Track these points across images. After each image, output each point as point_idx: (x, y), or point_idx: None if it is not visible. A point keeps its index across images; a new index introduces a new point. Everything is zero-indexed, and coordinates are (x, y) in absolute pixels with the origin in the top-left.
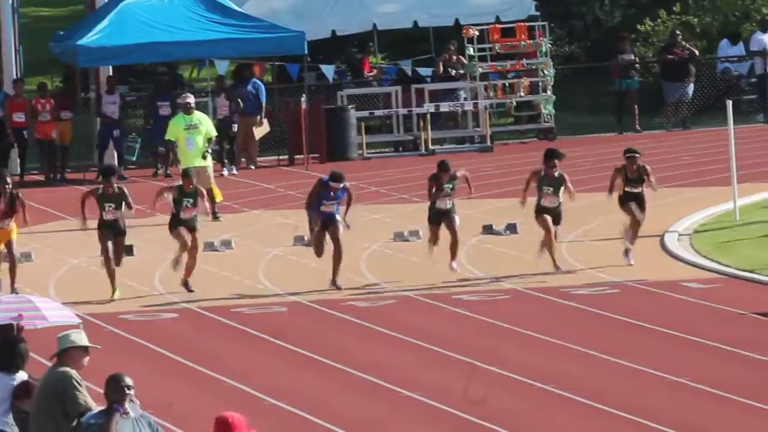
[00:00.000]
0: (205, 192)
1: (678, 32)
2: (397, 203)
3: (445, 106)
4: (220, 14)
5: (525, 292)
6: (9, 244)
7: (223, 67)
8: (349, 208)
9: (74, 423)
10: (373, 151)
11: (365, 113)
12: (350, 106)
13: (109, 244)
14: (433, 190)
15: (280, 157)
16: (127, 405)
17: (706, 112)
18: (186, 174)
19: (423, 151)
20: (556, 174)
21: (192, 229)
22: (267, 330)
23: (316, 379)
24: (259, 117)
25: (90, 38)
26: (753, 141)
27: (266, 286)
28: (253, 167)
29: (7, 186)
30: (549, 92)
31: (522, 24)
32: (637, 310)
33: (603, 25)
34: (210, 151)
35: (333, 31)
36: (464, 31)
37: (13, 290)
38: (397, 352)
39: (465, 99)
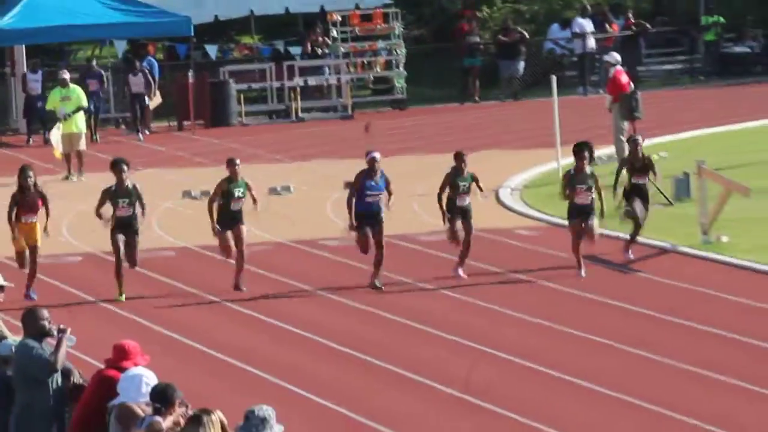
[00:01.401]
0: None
1: (510, 18)
2: (271, 163)
3: (312, 80)
4: (119, 1)
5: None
6: (33, 249)
7: (121, 46)
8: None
9: None
10: (250, 118)
11: (244, 86)
12: (231, 80)
13: (122, 244)
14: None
15: (171, 124)
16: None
17: (535, 86)
18: (230, 162)
19: (293, 118)
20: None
21: (239, 222)
22: (158, 270)
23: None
24: (153, 89)
25: (4, 22)
26: (574, 110)
27: (159, 234)
28: (147, 132)
29: (29, 179)
30: (401, 69)
31: (378, 10)
32: (475, 253)
33: (447, 12)
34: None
35: (216, 16)
36: (329, 17)
37: (28, 294)
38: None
39: (329, 74)
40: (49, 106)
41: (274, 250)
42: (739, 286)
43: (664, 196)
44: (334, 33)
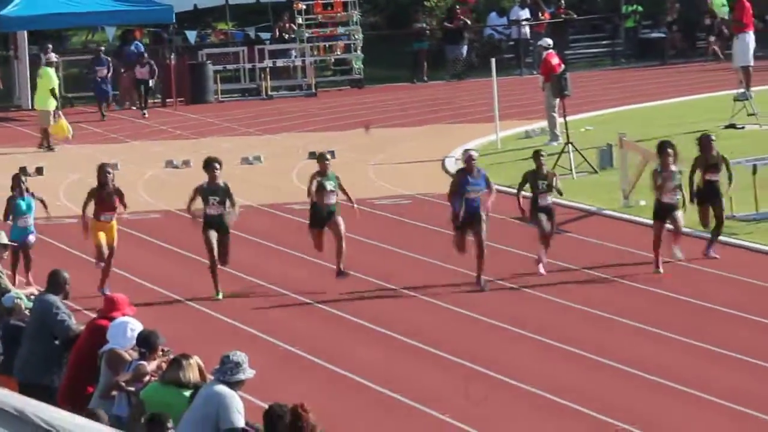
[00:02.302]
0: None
1: (457, 6)
2: (243, 135)
3: (280, 62)
4: None
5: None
6: (111, 248)
7: (111, 32)
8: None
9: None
10: (225, 96)
11: (220, 67)
12: (208, 61)
13: (214, 241)
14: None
15: (155, 101)
16: None
17: (477, 68)
18: (320, 157)
19: (263, 96)
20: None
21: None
22: (145, 231)
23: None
24: (155, 76)
25: (8, 10)
26: (511, 89)
27: (145, 198)
28: (134, 108)
29: (108, 175)
30: (358, 52)
31: (338, 0)
32: (424, 215)
33: (398, 0)
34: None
35: (195, 5)
36: (295, 5)
37: (101, 289)
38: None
39: (295, 57)
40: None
41: (246, 212)
42: (648, 241)
43: (590, 165)
44: (299, 20)
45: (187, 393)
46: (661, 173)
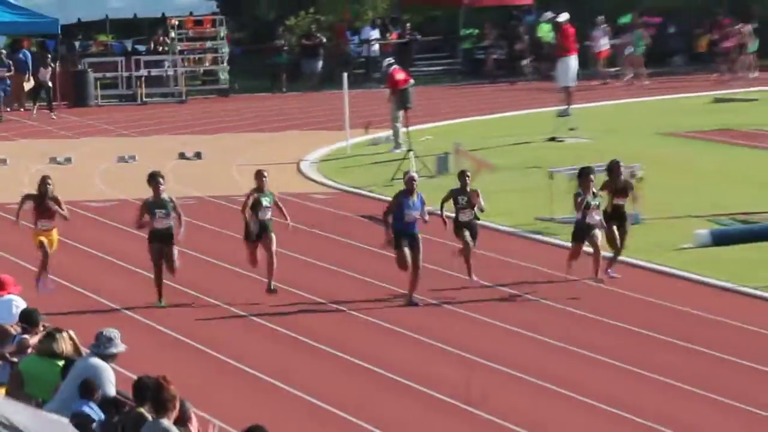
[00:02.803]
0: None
1: (313, 26)
2: (119, 137)
3: (155, 71)
4: (3, 5)
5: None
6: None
7: (1, 40)
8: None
9: None
10: (104, 101)
11: (100, 75)
12: (89, 69)
13: (159, 253)
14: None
15: (40, 104)
16: None
17: (330, 80)
18: (258, 174)
19: (139, 101)
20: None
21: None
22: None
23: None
24: (27, 75)
25: None
26: (360, 100)
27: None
28: (22, 110)
29: (49, 186)
30: (224, 64)
31: (207, 17)
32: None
33: (261, 19)
34: None
35: (78, 18)
36: (168, 21)
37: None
38: None
39: (168, 67)
40: None
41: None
42: (486, 240)
43: (429, 170)
44: (172, 34)
45: (60, 363)
46: (583, 196)
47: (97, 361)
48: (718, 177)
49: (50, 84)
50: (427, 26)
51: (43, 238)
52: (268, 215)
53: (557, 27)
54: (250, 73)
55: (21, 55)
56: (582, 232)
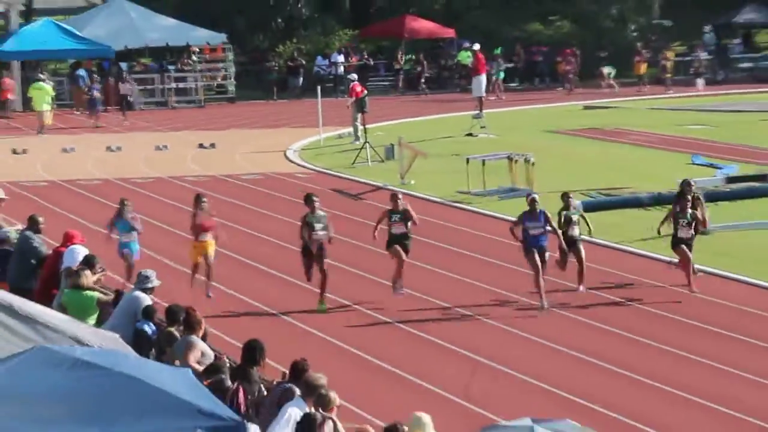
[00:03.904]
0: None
1: (295, 52)
2: (156, 131)
3: (181, 85)
4: (68, 35)
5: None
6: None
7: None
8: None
9: None
10: (144, 106)
11: (141, 87)
12: (134, 83)
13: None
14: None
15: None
16: None
17: (309, 92)
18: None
19: (169, 107)
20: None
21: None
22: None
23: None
24: (85, 88)
25: (6, 45)
26: (330, 106)
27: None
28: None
29: (203, 203)
30: (232, 79)
31: (219, 46)
32: (272, 186)
33: (258, 47)
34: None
35: (125, 46)
36: (191, 48)
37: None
38: None
39: (191, 81)
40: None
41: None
42: (420, 208)
43: (380, 157)
44: (194, 57)
45: (86, 293)
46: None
47: (140, 293)
48: (590, 163)
49: (130, 96)
50: (377, 53)
51: (199, 251)
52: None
53: (473, 53)
54: (250, 86)
55: (79, 73)
56: (676, 244)
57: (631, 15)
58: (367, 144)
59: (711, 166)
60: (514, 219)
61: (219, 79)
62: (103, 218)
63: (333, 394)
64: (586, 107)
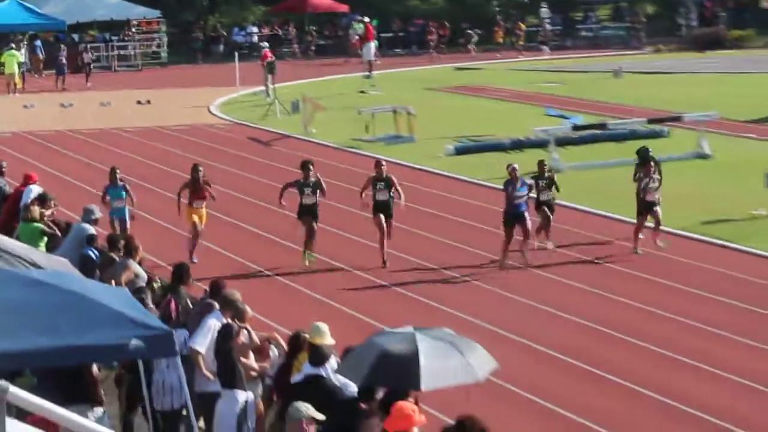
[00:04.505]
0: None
1: (218, 25)
2: (101, 92)
3: (122, 52)
4: (29, 12)
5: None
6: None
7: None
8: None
9: None
10: (95, 70)
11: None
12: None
13: (306, 226)
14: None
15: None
16: None
17: (229, 57)
18: (377, 164)
19: (113, 70)
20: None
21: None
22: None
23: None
24: (42, 57)
25: None
26: (246, 69)
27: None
28: (36, 76)
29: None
30: (165, 47)
31: (154, 19)
32: (198, 135)
33: (186, 20)
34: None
35: (77, 20)
36: (131, 22)
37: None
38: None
39: (132, 48)
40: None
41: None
42: (321, 152)
43: (286, 110)
44: (133, 29)
45: (37, 225)
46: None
47: (85, 225)
48: (460, 114)
49: (90, 63)
50: (285, 24)
51: (195, 216)
52: (385, 196)
53: (364, 24)
54: (179, 53)
55: (36, 43)
56: (642, 207)
57: None
58: (276, 100)
59: (561, 116)
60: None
61: (154, 47)
62: (56, 163)
63: (247, 307)
64: (457, 68)
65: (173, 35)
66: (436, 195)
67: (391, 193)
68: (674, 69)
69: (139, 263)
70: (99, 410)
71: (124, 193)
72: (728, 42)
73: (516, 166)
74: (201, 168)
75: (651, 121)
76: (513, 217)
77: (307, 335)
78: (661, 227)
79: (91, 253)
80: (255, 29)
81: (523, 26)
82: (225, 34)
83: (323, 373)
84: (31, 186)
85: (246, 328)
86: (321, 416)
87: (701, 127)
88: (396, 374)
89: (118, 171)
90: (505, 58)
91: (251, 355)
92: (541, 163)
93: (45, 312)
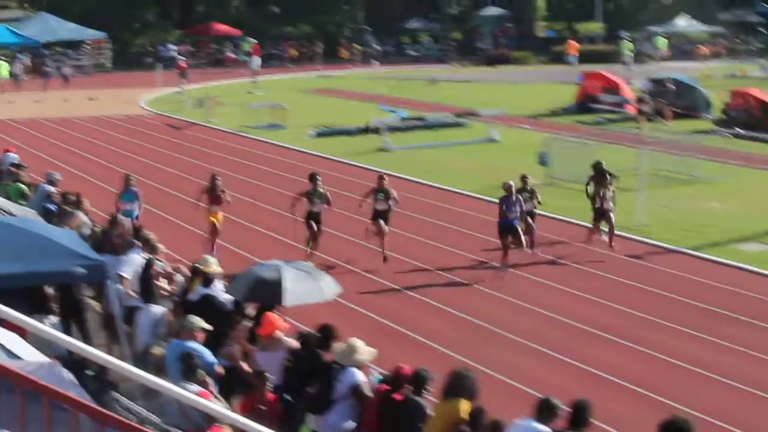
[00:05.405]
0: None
1: (147, 44)
2: (64, 90)
3: (81, 63)
4: (12, 33)
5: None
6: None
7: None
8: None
9: None
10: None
11: (55, 65)
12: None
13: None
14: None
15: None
16: None
17: (156, 66)
18: (380, 178)
19: (69, 78)
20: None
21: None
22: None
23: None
24: (21, 67)
25: None
26: (168, 76)
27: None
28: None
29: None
30: (109, 59)
31: (103, 39)
32: (132, 122)
33: (126, 40)
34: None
35: (47, 40)
36: (85, 41)
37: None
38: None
39: (85, 61)
40: None
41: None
42: (219, 135)
43: (198, 104)
44: (86, 46)
45: (18, 185)
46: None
47: (47, 185)
48: (321, 109)
49: (67, 75)
50: (198, 43)
51: (213, 218)
52: (383, 206)
53: (251, 44)
54: (120, 63)
55: (20, 56)
56: (598, 215)
57: (344, 21)
58: (187, 97)
59: (391, 111)
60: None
61: (101, 60)
62: (28, 140)
63: (160, 244)
64: (318, 77)
65: (115, 51)
66: (301, 167)
67: (390, 203)
68: (473, 79)
69: (86, 213)
70: (53, 318)
71: (135, 198)
72: (512, 60)
73: (512, 183)
74: (219, 178)
75: (456, 115)
76: (505, 229)
77: (200, 265)
78: (615, 231)
79: (50, 206)
80: (174, 46)
81: (358, 46)
82: (152, 49)
83: (212, 293)
84: (9, 153)
85: (159, 260)
86: (208, 326)
87: (492, 120)
88: (267, 294)
89: (131, 178)
90: (351, 69)
91: (163, 280)
92: (523, 178)
93: (16, 247)
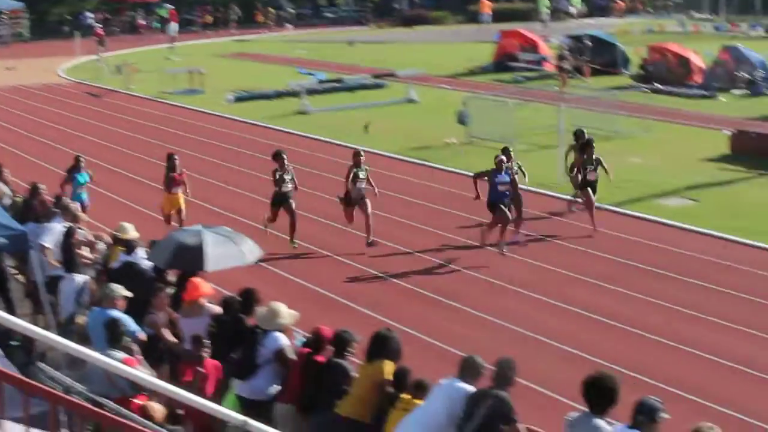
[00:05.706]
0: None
1: (64, 12)
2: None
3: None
4: None
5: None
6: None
7: None
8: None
9: None
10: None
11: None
12: None
13: (282, 209)
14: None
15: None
16: None
17: (73, 34)
18: (356, 154)
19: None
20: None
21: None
22: None
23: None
24: None
25: None
26: (87, 44)
27: None
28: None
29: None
30: (27, 29)
31: (20, 9)
32: (50, 91)
33: (44, 9)
34: None
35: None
36: (2, 11)
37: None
38: None
39: (4, 31)
40: None
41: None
42: (138, 102)
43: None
44: (3, 16)
45: None
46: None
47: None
48: (237, 73)
49: None
50: (115, 10)
51: (174, 203)
52: (363, 185)
53: (167, 10)
54: (38, 33)
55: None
56: (584, 186)
57: None
58: (105, 65)
59: (309, 74)
60: (482, 171)
61: (19, 29)
62: None
63: (80, 213)
64: (234, 41)
65: (33, 20)
66: (221, 132)
67: (370, 180)
68: (391, 40)
69: (5, 183)
70: None
71: (88, 179)
72: (430, 20)
73: (503, 157)
74: (176, 157)
75: (375, 77)
76: (496, 203)
77: (117, 233)
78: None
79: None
80: (91, 15)
81: (272, 10)
82: (70, 18)
83: (133, 260)
84: None
85: (82, 228)
86: (129, 293)
87: (410, 81)
88: (189, 260)
89: (82, 159)
90: (267, 33)
91: (85, 248)
92: (506, 150)
93: None
